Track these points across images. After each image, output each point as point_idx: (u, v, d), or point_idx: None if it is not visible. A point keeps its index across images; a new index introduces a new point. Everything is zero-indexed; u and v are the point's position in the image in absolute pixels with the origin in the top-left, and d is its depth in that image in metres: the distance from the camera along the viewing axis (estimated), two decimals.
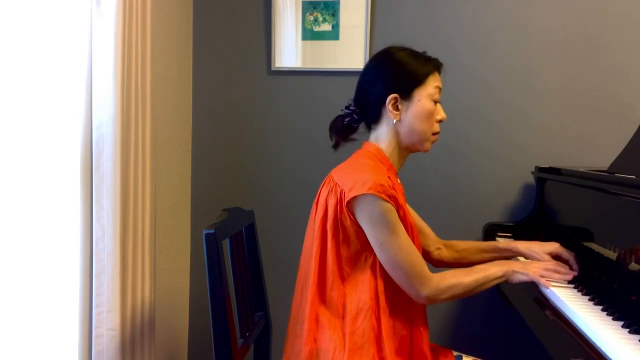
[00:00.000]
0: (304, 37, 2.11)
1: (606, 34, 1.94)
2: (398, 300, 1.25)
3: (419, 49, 1.35)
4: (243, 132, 2.21)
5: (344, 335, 1.21)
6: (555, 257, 1.41)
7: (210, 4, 2.20)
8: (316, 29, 2.10)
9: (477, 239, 1.92)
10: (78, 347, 1.55)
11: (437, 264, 1.56)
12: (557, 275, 1.29)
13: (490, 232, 1.88)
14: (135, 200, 1.64)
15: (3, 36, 1.35)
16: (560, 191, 1.69)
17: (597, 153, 1.94)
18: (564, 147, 1.98)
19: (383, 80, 1.30)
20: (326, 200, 1.25)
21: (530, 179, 1.97)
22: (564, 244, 1.43)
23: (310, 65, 2.12)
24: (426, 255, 1.54)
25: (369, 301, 1.21)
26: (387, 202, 1.18)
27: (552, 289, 1.23)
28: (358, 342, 1.20)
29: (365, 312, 1.21)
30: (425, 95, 1.29)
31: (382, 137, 1.33)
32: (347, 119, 1.37)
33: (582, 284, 1.27)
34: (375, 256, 1.22)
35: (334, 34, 2.09)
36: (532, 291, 1.30)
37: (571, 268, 1.35)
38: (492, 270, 1.28)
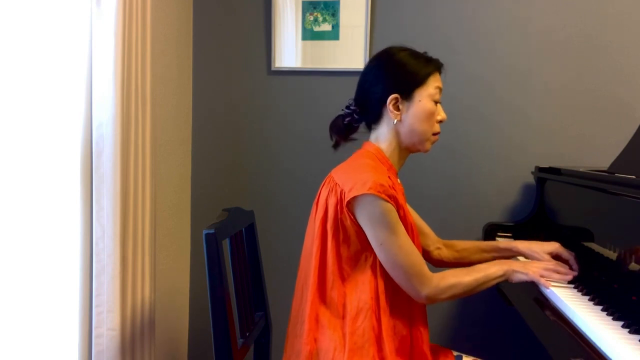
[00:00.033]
0: (304, 37, 2.11)
1: (606, 34, 1.94)
2: (398, 300, 1.25)
3: (419, 49, 1.35)
4: (243, 132, 2.21)
5: (344, 335, 1.21)
6: (556, 257, 1.41)
7: (210, 4, 2.20)
8: (316, 29, 2.10)
9: (477, 239, 1.92)
10: (78, 347, 1.55)
11: (437, 264, 1.56)
12: (557, 275, 1.29)
13: (490, 232, 1.88)
14: (135, 200, 1.64)
15: (3, 36, 1.35)
16: (560, 191, 1.69)
17: (597, 153, 1.94)
18: (564, 147, 1.98)
19: (384, 80, 1.30)
20: (326, 200, 1.25)
21: (530, 179, 1.97)
22: (564, 244, 1.43)
23: (310, 65, 2.12)
24: (426, 255, 1.54)
25: (369, 301, 1.21)
26: (387, 202, 1.18)
27: (552, 288, 1.23)
28: (358, 342, 1.20)
29: (366, 312, 1.21)
30: (426, 96, 1.29)
31: (382, 137, 1.33)
32: (347, 119, 1.37)
33: (582, 284, 1.27)
34: (375, 256, 1.22)
35: (334, 34, 2.09)
36: (532, 291, 1.30)
37: (571, 268, 1.35)
38: (492, 270, 1.28)
